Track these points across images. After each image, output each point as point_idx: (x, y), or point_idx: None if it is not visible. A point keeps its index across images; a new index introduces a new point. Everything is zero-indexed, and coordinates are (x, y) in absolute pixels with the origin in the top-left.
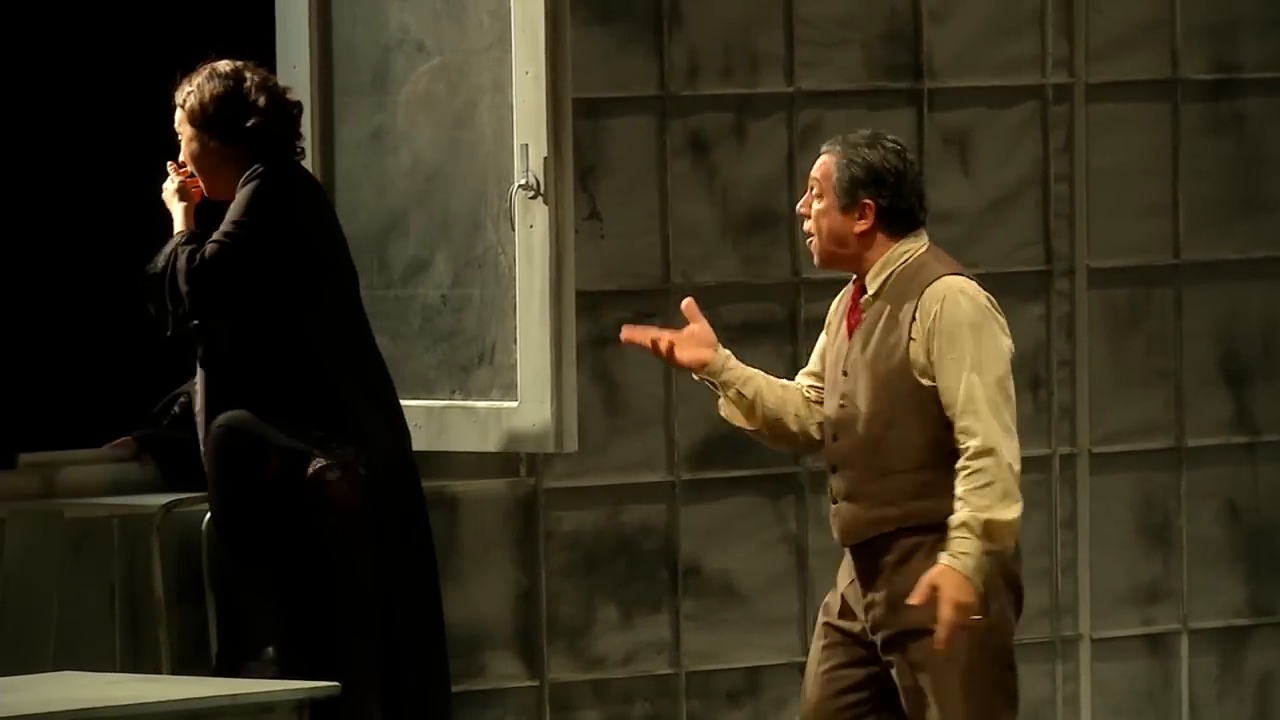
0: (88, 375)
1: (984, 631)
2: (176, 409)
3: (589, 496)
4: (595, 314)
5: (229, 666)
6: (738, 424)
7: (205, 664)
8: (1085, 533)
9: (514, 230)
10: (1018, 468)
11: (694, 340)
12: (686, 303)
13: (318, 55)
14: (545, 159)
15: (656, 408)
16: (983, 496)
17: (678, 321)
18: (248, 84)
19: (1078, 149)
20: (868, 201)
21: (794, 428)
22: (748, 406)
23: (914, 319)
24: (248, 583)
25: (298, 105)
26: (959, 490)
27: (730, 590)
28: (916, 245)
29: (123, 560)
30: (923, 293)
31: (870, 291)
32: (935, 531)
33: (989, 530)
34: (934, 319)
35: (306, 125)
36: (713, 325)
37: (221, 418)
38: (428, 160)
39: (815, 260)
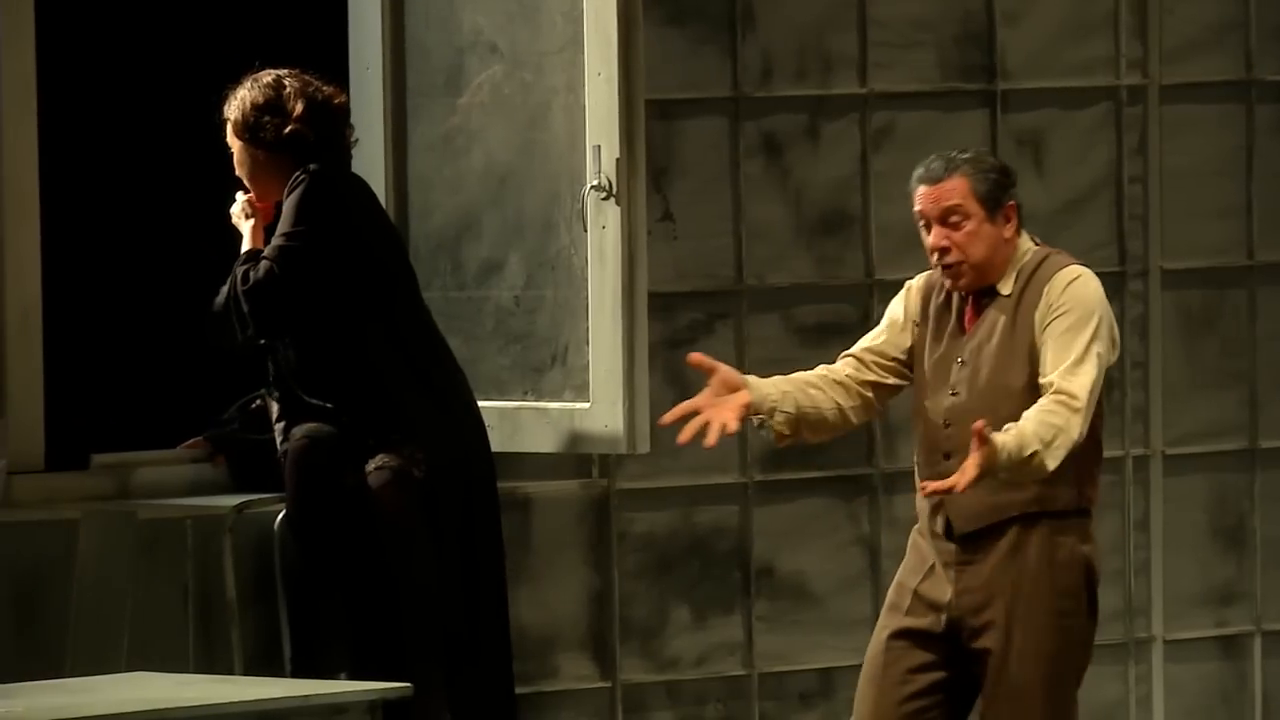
0: (162, 376)
1: (1073, 633)
2: (252, 408)
3: (662, 498)
4: (668, 315)
5: (303, 673)
6: (782, 444)
7: (278, 664)
8: (1159, 534)
9: (586, 231)
10: (1075, 441)
11: (725, 389)
12: (693, 359)
13: (390, 57)
14: (618, 160)
15: None
16: (1047, 432)
17: (749, 322)
18: (286, 91)
19: (1151, 150)
20: (1011, 203)
21: (834, 420)
22: (794, 421)
23: (1039, 305)
24: (323, 596)
25: (344, 109)
26: (1031, 411)
27: (803, 591)
28: (1031, 242)
29: (196, 561)
30: (1051, 280)
31: (1006, 293)
32: (1054, 519)
33: (1031, 462)
34: (1060, 297)
35: (379, 127)
36: (785, 327)
37: (301, 430)
38: (500, 161)
39: (959, 286)
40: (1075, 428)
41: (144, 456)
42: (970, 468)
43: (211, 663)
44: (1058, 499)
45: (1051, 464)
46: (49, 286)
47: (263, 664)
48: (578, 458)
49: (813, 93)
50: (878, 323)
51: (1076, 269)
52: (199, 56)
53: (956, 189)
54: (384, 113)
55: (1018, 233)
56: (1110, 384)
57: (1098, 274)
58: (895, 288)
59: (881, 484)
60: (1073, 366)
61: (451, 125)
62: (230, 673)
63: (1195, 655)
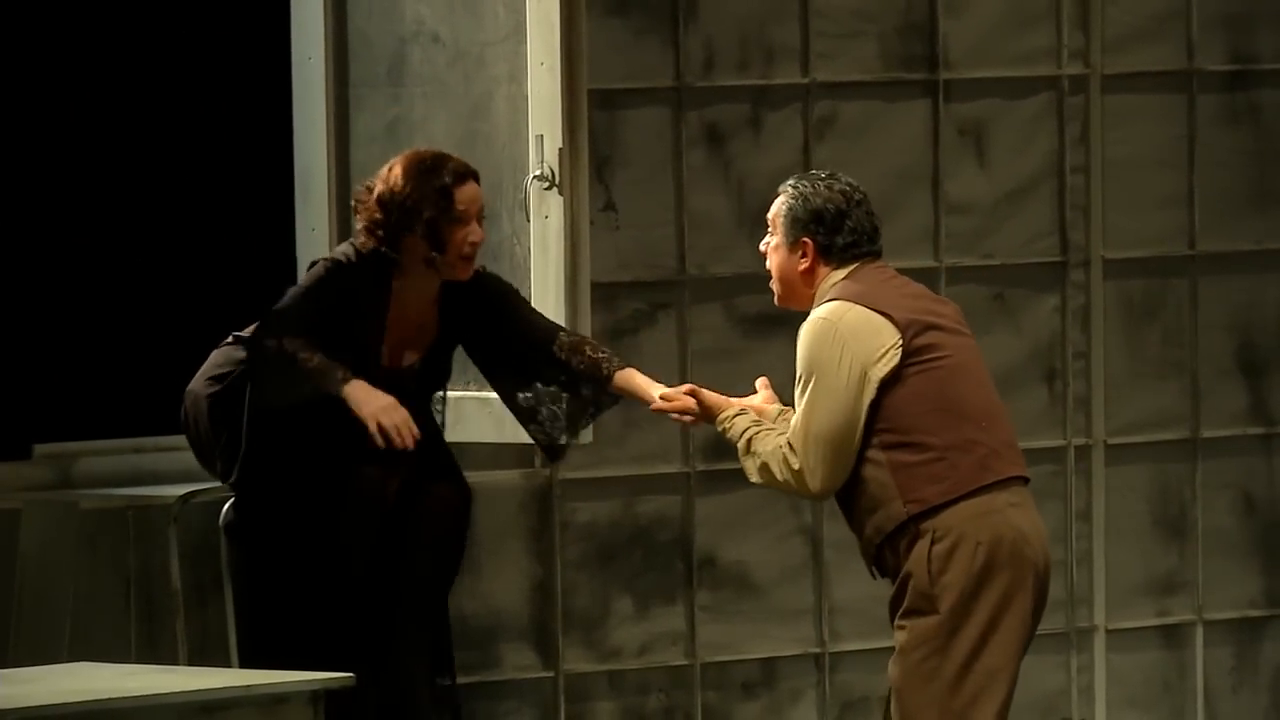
0: (104, 365)
1: (915, 637)
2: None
3: (604, 488)
4: (610, 305)
5: (250, 664)
6: None
7: (223, 655)
8: (1100, 524)
9: (529, 221)
10: (795, 482)
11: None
12: (761, 381)
13: (333, 47)
14: (560, 150)
15: None
16: (772, 460)
17: (692, 312)
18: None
19: (1093, 140)
20: (806, 240)
21: None
22: None
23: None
24: (269, 586)
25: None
26: (785, 438)
27: (745, 581)
28: (840, 275)
29: (138, 551)
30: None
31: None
32: (895, 536)
33: (741, 457)
34: (798, 356)
35: (321, 117)
36: (728, 317)
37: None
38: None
39: (776, 299)
40: (791, 483)
41: (86, 446)
42: (708, 401)
43: (155, 653)
44: (886, 521)
45: (751, 477)
46: None
47: (207, 655)
48: (520, 448)
49: (755, 82)
50: None
51: (813, 314)
52: (139, 44)
53: (776, 207)
54: (326, 103)
55: (819, 269)
56: (1052, 374)
57: (1039, 265)
58: None
59: None
60: (798, 429)
61: (394, 115)
62: (174, 663)
63: (1137, 645)
